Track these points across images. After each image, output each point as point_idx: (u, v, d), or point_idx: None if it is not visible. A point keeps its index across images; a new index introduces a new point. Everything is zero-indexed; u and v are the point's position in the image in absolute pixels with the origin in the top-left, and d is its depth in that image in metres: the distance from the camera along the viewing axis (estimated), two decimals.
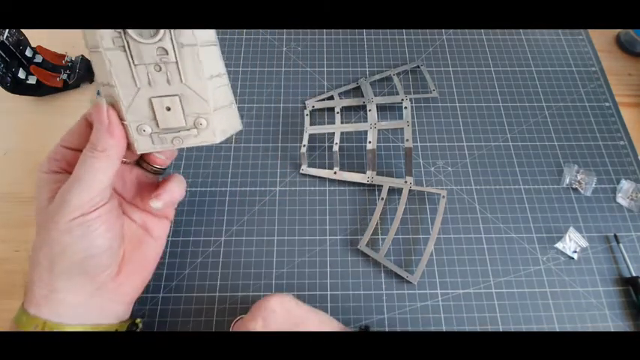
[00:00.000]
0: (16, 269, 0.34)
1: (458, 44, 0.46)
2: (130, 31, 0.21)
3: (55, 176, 0.26)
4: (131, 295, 0.28)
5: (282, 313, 0.25)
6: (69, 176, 0.26)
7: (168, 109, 0.22)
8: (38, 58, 0.41)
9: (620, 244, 0.34)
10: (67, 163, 0.26)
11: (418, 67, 0.44)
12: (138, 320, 0.30)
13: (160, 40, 0.21)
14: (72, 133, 0.26)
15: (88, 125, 0.26)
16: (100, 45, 0.21)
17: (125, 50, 0.21)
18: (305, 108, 0.41)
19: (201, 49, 0.22)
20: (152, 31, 0.21)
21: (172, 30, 0.21)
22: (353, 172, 0.38)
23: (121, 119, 0.23)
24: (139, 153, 0.24)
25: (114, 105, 0.23)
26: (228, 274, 0.34)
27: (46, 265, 0.24)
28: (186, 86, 0.22)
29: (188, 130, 0.23)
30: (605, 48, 0.46)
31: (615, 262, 0.34)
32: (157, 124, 0.23)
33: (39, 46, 0.41)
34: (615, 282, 0.34)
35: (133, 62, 0.21)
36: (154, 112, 0.22)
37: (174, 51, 0.21)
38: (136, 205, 0.29)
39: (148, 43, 0.21)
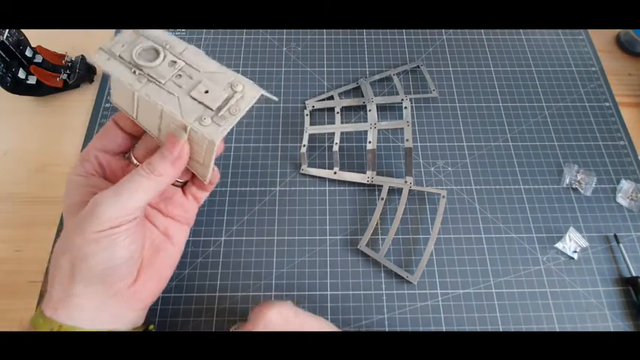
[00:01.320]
0: (16, 269, 0.34)
1: (458, 44, 0.46)
2: (141, 65, 0.25)
3: (87, 179, 0.25)
4: (147, 301, 0.27)
5: (280, 323, 0.25)
6: (101, 180, 0.26)
7: (207, 91, 0.25)
8: (38, 58, 0.41)
9: (620, 244, 0.34)
10: (100, 165, 0.26)
11: (418, 67, 0.44)
12: (152, 327, 0.29)
13: (165, 57, 0.25)
14: (103, 137, 0.27)
15: (118, 128, 0.27)
16: (134, 89, 0.24)
17: (151, 80, 0.25)
18: (305, 108, 0.41)
19: (191, 47, 0.26)
20: (154, 54, 0.25)
21: (167, 46, 0.26)
22: (353, 172, 0.38)
23: (184, 129, 0.24)
24: (217, 142, 0.24)
25: (171, 127, 0.25)
26: (228, 274, 0.34)
27: (67, 270, 0.24)
28: (205, 72, 0.25)
29: (233, 97, 0.25)
30: (605, 48, 0.46)
31: (615, 262, 0.34)
32: (210, 109, 0.24)
33: (39, 46, 0.41)
34: (615, 282, 0.34)
35: (161, 83, 0.25)
36: (200, 102, 0.24)
37: (180, 58, 0.25)
38: (159, 210, 0.28)
39: (160, 64, 0.25)
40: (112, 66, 0.25)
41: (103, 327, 0.25)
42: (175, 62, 0.25)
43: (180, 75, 0.25)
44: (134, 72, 0.25)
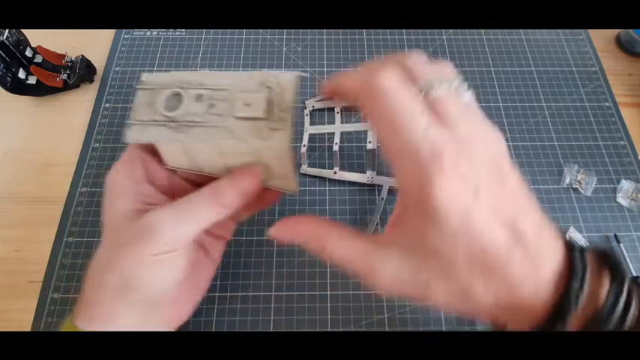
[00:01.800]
0: (16, 269, 0.34)
1: (458, 44, 0.46)
2: (173, 116, 0.22)
3: (135, 185, 0.23)
4: (183, 318, 0.26)
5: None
6: (149, 187, 0.24)
7: (247, 104, 0.22)
8: (38, 58, 0.41)
9: (620, 244, 0.34)
10: (145, 169, 0.24)
11: None
12: None
13: (187, 96, 0.23)
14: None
15: None
16: (180, 142, 0.22)
17: (190, 125, 0.22)
18: (305, 108, 0.41)
19: (198, 71, 0.25)
20: (177, 99, 0.23)
21: (182, 84, 0.23)
22: (353, 172, 0.38)
23: (251, 153, 0.23)
24: (287, 148, 0.22)
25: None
26: (228, 274, 0.34)
27: (113, 290, 0.22)
28: (232, 90, 0.23)
29: (273, 94, 0.23)
30: (605, 48, 0.46)
31: None
32: (261, 118, 0.22)
33: (39, 46, 0.41)
34: None
35: (200, 122, 0.22)
36: (248, 118, 0.22)
37: (200, 87, 0.23)
38: None
39: (188, 105, 0.23)
40: (150, 133, 0.23)
41: None
42: (201, 95, 0.23)
43: (212, 104, 0.23)
44: (170, 127, 0.22)
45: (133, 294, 0.22)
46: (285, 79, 0.23)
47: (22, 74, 0.39)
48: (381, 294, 0.20)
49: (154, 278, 0.22)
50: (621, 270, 0.17)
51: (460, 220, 0.17)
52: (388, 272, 0.19)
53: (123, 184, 0.23)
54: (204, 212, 0.22)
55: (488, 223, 0.17)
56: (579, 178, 0.38)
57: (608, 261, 0.18)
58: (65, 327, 0.23)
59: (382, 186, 0.36)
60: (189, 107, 0.23)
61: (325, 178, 0.38)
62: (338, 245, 0.20)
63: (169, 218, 0.21)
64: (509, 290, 0.18)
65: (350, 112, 0.41)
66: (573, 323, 0.17)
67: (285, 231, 0.23)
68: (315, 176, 0.38)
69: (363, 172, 0.37)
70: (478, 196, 0.17)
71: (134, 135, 0.23)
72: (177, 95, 0.23)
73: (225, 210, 0.23)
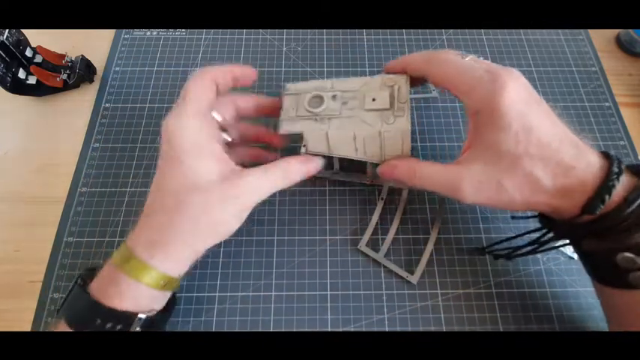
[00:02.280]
0: (16, 269, 0.34)
1: (458, 44, 0.46)
2: (318, 112, 0.30)
3: (217, 145, 0.27)
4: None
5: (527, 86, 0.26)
6: (221, 134, 0.29)
7: (374, 99, 0.30)
8: (38, 58, 0.41)
9: None
10: (230, 117, 0.31)
11: None
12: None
13: (326, 97, 0.31)
14: (250, 100, 0.31)
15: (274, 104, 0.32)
16: (325, 130, 0.30)
17: (331, 118, 0.30)
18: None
19: (330, 79, 0.32)
20: (318, 100, 0.31)
21: (320, 90, 0.31)
22: (353, 172, 0.37)
23: (378, 135, 0.29)
24: (409, 127, 0.29)
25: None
26: (228, 274, 0.34)
27: (188, 233, 0.25)
28: (359, 91, 0.31)
29: (393, 91, 0.30)
30: (605, 48, 0.46)
31: None
32: (386, 109, 0.29)
33: (39, 46, 0.41)
34: None
35: (338, 115, 0.30)
36: (376, 109, 0.29)
37: (334, 90, 0.31)
38: None
39: (328, 103, 0.30)
40: (298, 125, 0.30)
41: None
42: (335, 95, 0.30)
43: (345, 102, 0.30)
44: (315, 120, 0.30)
45: (207, 240, 0.26)
46: (401, 80, 0.30)
47: (22, 74, 0.39)
48: (465, 202, 0.26)
49: (228, 229, 0.26)
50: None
51: (519, 120, 0.24)
52: (469, 181, 0.25)
53: (206, 145, 0.26)
54: (278, 182, 0.28)
55: (540, 121, 0.24)
56: None
57: (634, 169, 0.24)
58: (119, 260, 0.24)
59: (382, 186, 0.36)
60: (328, 105, 0.30)
61: (325, 178, 0.38)
62: (426, 169, 0.27)
63: (257, 185, 0.27)
64: (565, 171, 0.23)
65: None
66: (613, 201, 0.22)
67: (388, 165, 0.29)
68: (315, 176, 0.38)
69: (364, 172, 0.37)
70: (528, 103, 0.25)
71: (286, 127, 0.31)
72: (318, 97, 0.31)
73: (289, 184, 0.28)
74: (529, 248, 0.30)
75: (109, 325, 0.23)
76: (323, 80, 0.32)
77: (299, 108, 0.31)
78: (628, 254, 0.22)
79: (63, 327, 0.24)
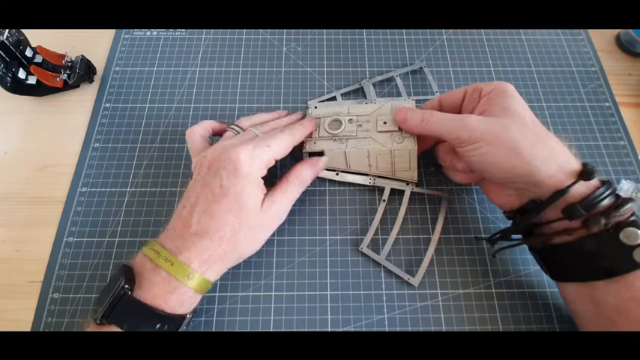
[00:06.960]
0: (16, 269, 0.34)
1: (458, 44, 0.46)
2: (337, 134, 0.35)
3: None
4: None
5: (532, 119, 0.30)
6: None
7: (385, 122, 0.34)
8: (38, 58, 0.41)
9: None
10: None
11: (421, 68, 0.44)
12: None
13: (344, 121, 0.35)
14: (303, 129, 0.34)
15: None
16: (344, 149, 0.34)
17: (348, 138, 0.35)
18: (308, 108, 0.41)
19: (346, 102, 0.40)
20: (337, 123, 0.35)
21: (339, 114, 0.36)
22: (355, 173, 0.37)
23: (389, 153, 0.34)
24: (415, 147, 0.33)
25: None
26: (229, 274, 0.34)
27: (238, 248, 0.29)
28: (372, 115, 0.35)
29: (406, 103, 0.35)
30: (605, 48, 0.46)
31: None
32: (396, 131, 0.34)
33: (39, 46, 0.41)
34: None
35: (355, 136, 0.34)
36: (387, 131, 0.34)
37: (351, 115, 0.36)
38: None
39: (346, 125, 0.35)
40: (320, 145, 0.35)
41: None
42: (352, 120, 0.35)
43: (360, 124, 0.35)
44: (334, 140, 0.35)
45: (245, 255, 0.30)
46: (409, 104, 0.35)
47: (22, 74, 0.39)
48: (468, 136, 0.28)
49: (263, 240, 0.31)
50: (612, 181, 0.29)
51: (524, 114, 0.29)
52: (475, 120, 0.29)
53: (256, 176, 0.29)
54: (297, 195, 0.32)
55: (534, 119, 0.30)
56: None
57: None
58: (178, 273, 0.26)
59: (384, 188, 0.36)
60: (346, 127, 0.35)
61: (326, 179, 0.38)
62: (437, 114, 0.31)
63: (283, 210, 0.31)
64: (552, 153, 0.27)
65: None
66: (587, 188, 0.27)
67: (401, 112, 0.33)
68: (316, 177, 0.38)
69: (365, 174, 0.37)
70: (527, 110, 0.30)
71: (311, 147, 0.35)
72: (337, 120, 0.35)
73: (304, 189, 0.33)
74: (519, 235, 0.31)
75: (165, 327, 0.26)
76: (340, 105, 0.37)
77: (320, 130, 0.35)
78: (631, 228, 0.25)
79: (107, 328, 0.26)
